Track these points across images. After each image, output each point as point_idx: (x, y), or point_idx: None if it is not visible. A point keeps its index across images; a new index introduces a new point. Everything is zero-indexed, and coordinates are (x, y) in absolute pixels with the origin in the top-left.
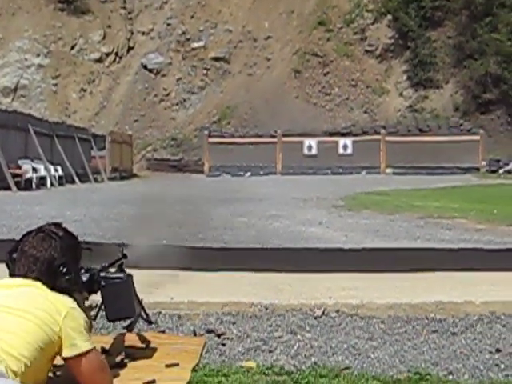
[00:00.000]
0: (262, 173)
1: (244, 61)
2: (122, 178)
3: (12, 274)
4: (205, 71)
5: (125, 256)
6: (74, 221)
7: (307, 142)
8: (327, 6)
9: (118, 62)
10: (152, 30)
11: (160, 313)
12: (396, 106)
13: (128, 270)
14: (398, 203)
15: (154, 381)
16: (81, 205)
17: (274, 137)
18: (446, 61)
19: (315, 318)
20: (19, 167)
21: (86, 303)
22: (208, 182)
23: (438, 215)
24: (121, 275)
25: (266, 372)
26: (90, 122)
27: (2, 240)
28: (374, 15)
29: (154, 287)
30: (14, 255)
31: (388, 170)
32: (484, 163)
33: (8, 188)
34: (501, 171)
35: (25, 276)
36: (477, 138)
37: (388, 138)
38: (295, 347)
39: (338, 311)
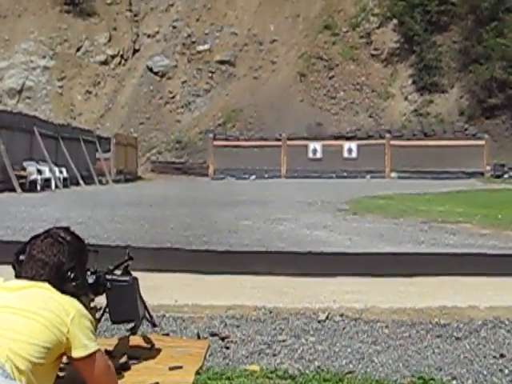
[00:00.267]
0: (266, 176)
1: (249, 64)
2: (127, 181)
3: (18, 276)
4: (210, 74)
5: (131, 258)
6: (79, 223)
7: (312, 145)
8: (333, 9)
9: (124, 65)
10: (158, 32)
11: (164, 315)
12: (401, 110)
13: (133, 273)
14: (402, 207)
15: (157, 383)
16: (85, 207)
17: (278, 140)
18: (452, 65)
19: (319, 322)
20: (24, 169)
21: (92, 305)
22: (213, 184)
23: (443, 220)
24: (126, 278)
25: (270, 376)
26: (95, 124)
27: (7, 242)
28: (379, 19)
29: (158, 290)
30: (21, 257)
31: (393, 174)
32: (489, 168)
33: (13, 190)
34: (505, 176)
35: (32, 279)
36: (482, 142)
37: (393, 142)
38: (299, 351)
39: (342, 315)
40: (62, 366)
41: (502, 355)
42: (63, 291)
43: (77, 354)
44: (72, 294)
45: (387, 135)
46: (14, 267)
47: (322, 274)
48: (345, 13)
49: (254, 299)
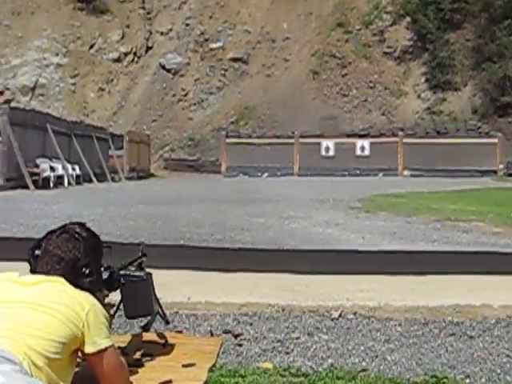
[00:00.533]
0: (279, 174)
1: (262, 62)
2: (140, 178)
3: (34, 271)
4: (223, 72)
5: (145, 255)
6: (92, 220)
7: (325, 143)
8: (346, 7)
9: (137, 62)
10: (170, 30)
11: (177, 313)
12: (414, 108)
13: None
14: (415, 205)
15: (170, 380)
16: (98, 204)
17: (291, 138)
18: (465, 63)
19: (332, 320)
20: (37, 166)
21: (106, 301)
22: (225, 182)
23: (455, 218)
24: (140, 274)
25: (283, 373)
26: (107, 121)
27: (20, 238)
28: (392, 17)
29: (171, 287)
30: (37, 252)
31: (405, 172)
32: (502, 166)
33: (26, 187)
34: None
35: (47, 273)
36: (495, 140)
37: (406, 140)
38: (312, 349)
39: (355, 313)
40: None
41: None
42: (78, 286)
43: (89, 349)
44: (87, 290)
45: (400, 133)
46: (29, 262)
47: (335, 272)
48: (358, 10)
49: (267, 297)
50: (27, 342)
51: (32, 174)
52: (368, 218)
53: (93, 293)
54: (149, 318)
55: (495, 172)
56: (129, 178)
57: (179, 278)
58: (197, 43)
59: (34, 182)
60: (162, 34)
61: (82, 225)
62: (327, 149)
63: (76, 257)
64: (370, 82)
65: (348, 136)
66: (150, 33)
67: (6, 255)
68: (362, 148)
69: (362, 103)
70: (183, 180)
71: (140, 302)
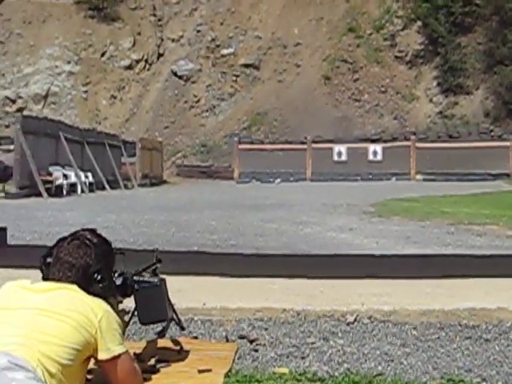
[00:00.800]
0: (291, 179)
1: (274, 67)
2: (152, 185)
3: (46, 279)
4: (234, 78)
5: (159, 261)
6: (105, 227)
7: (337, 148)
8: (357, 12)
9: (148, 69)
10: (182, 36)
11: (192, 319)
12: (426, 112)
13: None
14: (428, 210)
15: None
16: (111, 211)
17: (303, 143)
18: (477, 67)
19: (347, 325)
20: (50, 174)
21: (120, 307)
22: (238, 188)
23: (469, 222)
24: (154, 279)
25: (299, 378)
26: (120, 128)
27: (34, 246)
28: (403, 21)
29: (186, 293)
30: (48, 259)
31: (418, 177)
32: None
33: (39, 195)
34: None
35: (59, 280)
36: (507, 144)
37: (418, 145)
38: (328, 353)
39: (370, 317)
40: (90, 368)
41: None
42: (90, 293)
43: (103, 355)
44: (99, 296)
45: (412, 137)
46: (41, 270)
47: (350, 276)
48: (369, 15)
49: (281, 302)
50: (40, 348)
51: (45, 182)
52: (381, 222)
53: (106, 299)
54: (164, 324)
55: (508, 175)
56: (141, 185)
57: (194, 283)
58: (208, 49)
59: (47, 190)
60: (173, 40)
61: (92, 231)
62: (340, 154)
63: (87, 263)
64: (382, 86)
65: (360, 141)
66: (162, 40)
67: (21, 263)
68: (375, 153)
69: (374, 108)
70: (196, 186)
71: (154, 307)
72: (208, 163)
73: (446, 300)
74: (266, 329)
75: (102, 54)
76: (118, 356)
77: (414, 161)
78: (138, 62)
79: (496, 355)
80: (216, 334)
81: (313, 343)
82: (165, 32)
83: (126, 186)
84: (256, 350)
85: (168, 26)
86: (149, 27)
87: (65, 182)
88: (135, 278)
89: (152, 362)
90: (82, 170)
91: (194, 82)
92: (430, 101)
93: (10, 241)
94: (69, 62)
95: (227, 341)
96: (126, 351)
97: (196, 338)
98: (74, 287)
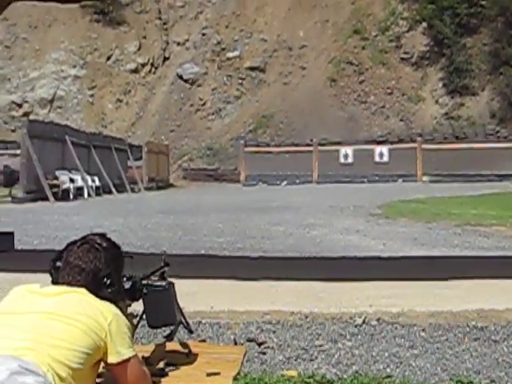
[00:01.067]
0: (298, 181)
1: (279, 70)
2: (159, 188)
3: (55, 282)
4: (240, 81)
5: (167, 264)
6: (112, 231)
7: (343, 150)
8: (362, 14)
9: (154, 73)
10: (187, 40)
11: (200, 322)
12: (432, 113)
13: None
14: (435, 211)
15: None
16: (118, 215)
17: (309, 145)
18: (482, 68)
19: (356, 327)
20: (57, 178)
21: (128, 311)
22: (244, 191)
23: (476, 223)
24: (163, 283)
25: (308, 380)
26: (126, 132)
27: (41, 250)
28: (409, 23)
29: (194, 297)
30: (58, 263)
31: (425, 178)
32: None
33: (46, 199)
34: None
35: (69, 284)
36: None
37: (424, 146)
38: (336, 356)
39: (378, 319)
40: (98, 372)
41: None
42: (99, 297)
43: (113, 359)
44: (108, 300)
45: (418, 139)
46: (50, 274)
47: (357, 278)
48: (374, 17)
49: (289, 304)
50: (50, 352)
51: (52, 186)
52: (388, 224)
53: (115, 303)
54: (172, 327)
55: None
56: (148, 189)
57: (202, 287)
58: (214, 53)
59: (54, 194)
60: (178, 44)
61: (102, 235)
62: (346, 156)
63: (97, 267)
64: (388, 88)
65: (366, 142)
66: (167, 43)
67: (28, 267)
68: (381, 154)
69: (380, 109)
70: (202, 189)
71: (162, 311)
72: (214, 166)
73: (454, 301)
74: (274, 332)
75: (108, 58)
76: (128, 360)
77: (421, 162)
78: (143, 65)
79: (505, 356)
80: (224, 336)
81: (321, 346)
82: (170, 35)
83: (132, 190)
84: (264, 353)
85: (173, 29)
86: (154, 31)
87: (71, 185)
88: (144, 281)
89: (161, 365)
90: (89, 173)
91: (199, 86)
92: (436, 102)
93: (17, 245)
94: (74, 66)
95: (235, 344)
96: (136, 355)
97: (204, 341)
98: (83, 290)
